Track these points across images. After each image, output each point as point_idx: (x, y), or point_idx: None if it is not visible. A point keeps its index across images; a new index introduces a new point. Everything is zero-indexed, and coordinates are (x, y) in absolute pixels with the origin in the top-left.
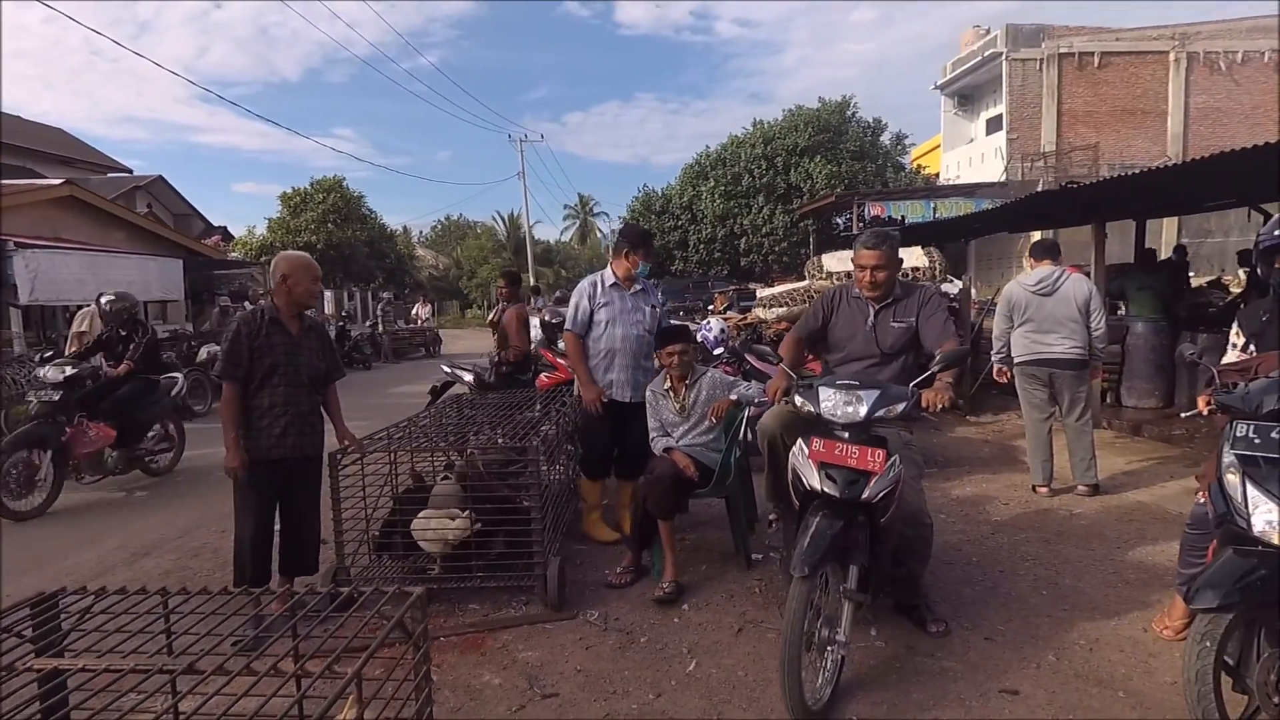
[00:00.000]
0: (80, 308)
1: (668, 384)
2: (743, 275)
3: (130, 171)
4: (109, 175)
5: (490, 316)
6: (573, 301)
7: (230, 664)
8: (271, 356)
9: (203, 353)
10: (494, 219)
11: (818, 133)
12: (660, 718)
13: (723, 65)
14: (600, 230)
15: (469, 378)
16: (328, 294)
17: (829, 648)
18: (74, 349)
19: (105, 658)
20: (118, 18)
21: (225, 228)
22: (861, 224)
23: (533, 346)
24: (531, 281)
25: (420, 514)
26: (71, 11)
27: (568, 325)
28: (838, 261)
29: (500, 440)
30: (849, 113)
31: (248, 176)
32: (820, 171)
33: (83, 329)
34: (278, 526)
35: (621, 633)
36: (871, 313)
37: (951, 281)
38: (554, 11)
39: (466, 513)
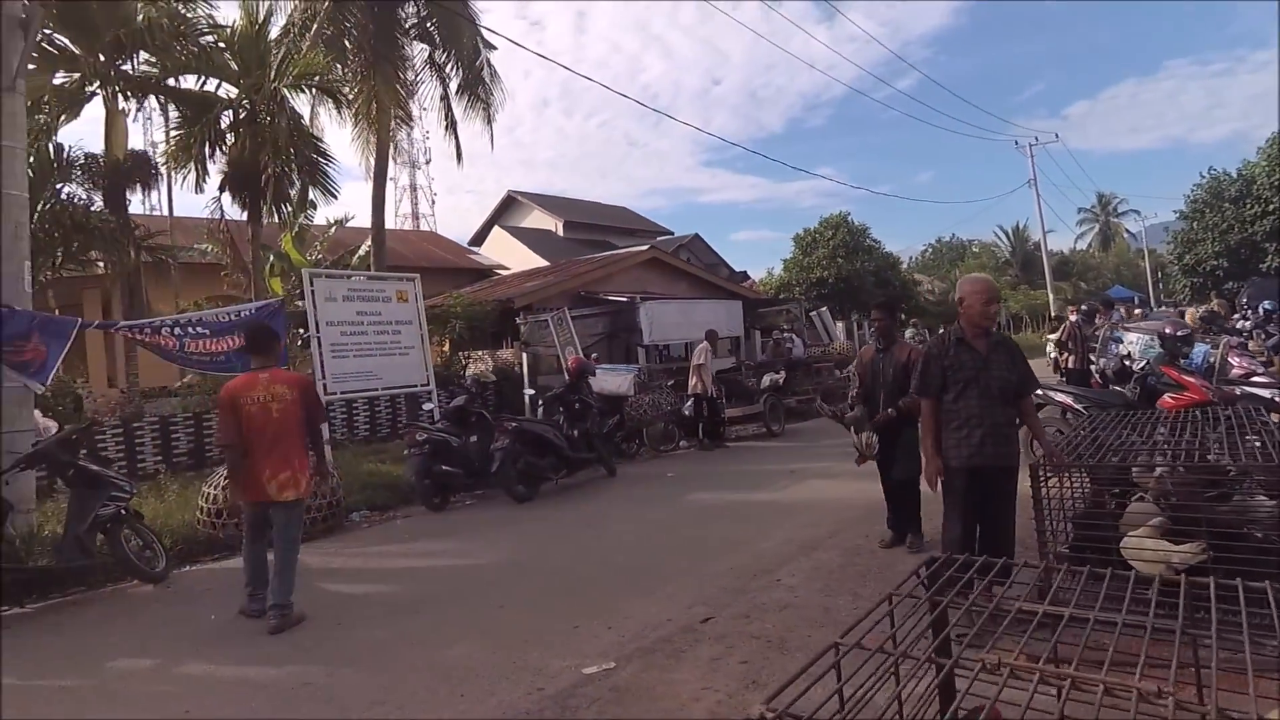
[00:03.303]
0: (696, 345)
1: None
2: None
3: (672, 234)
4: (658, 238)
5: (1057, 335)
6: None
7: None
8: (962, 373)
9: (765, 380)
10: (995, 234)
11: None
12: None
13: None
14: (1128, 231)
15: (1060, 398)
16: (839, 325)
17: None
18: (693, 380)
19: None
20: (645, 112)
21: (745, 272)
22: None
23: (1143, 364)
24: (1050, 298)
25: (1132, 533)
26: (612, 115)
27: None
28: None
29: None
30: None
31: (744, 226)
32: None
33: (700, 362)
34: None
35: None
36: None
37: None
38: None
39: (1198, 541)
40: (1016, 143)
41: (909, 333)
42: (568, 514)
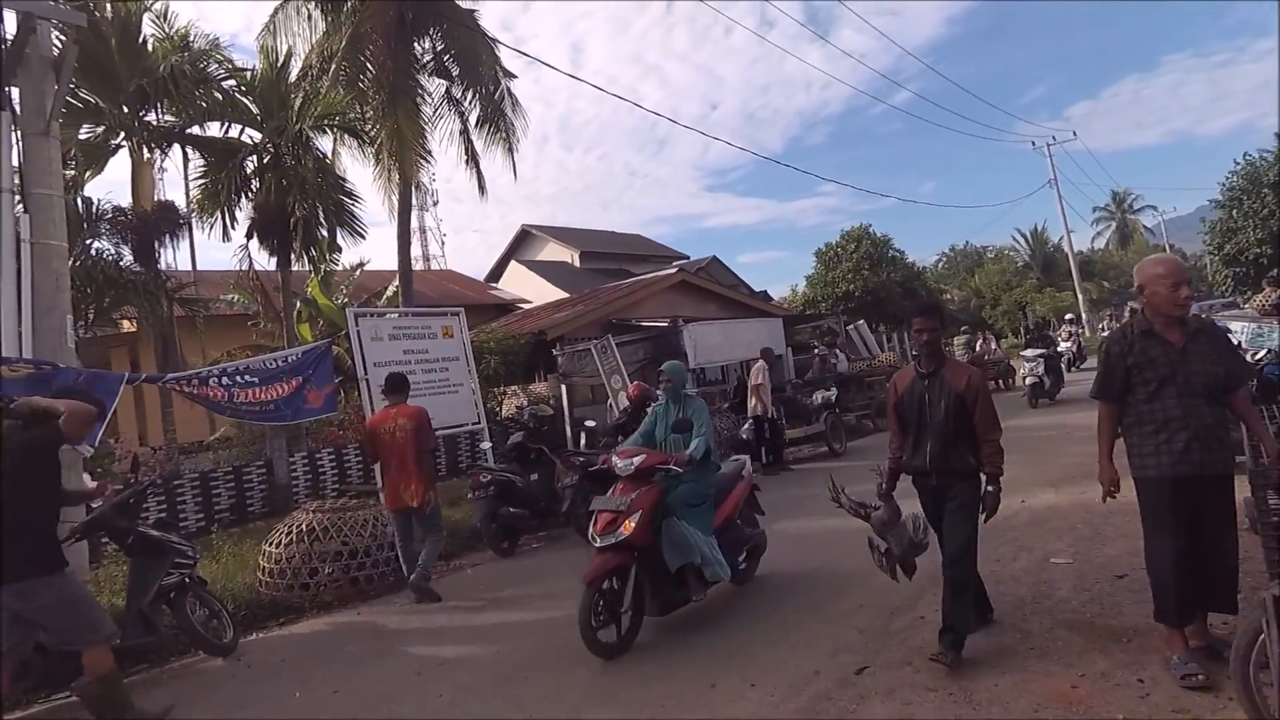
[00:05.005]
0: (753, 364)
1: None
2: None
3: (688, 258)
4: (674, 263)
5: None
6: None
7: None
8: (1154, 370)
9: (817, 398)
10: (1013, 238)
11: None
12: None
13: None
14: (1145, 227)
15: None
16: (870, 337)
17: None
18: (753, 401)
19: None
20: (644, 142)
21: (766, 291)
22: None
23: (1263, 354)
24: (1079, 298)
25: None
26: (611, 147)
27: None
28: None
29: None
30: None
31: (749, 248)
32: None
33: (759, 382)
34: None
35: None
36: None
37: None
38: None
39: None
40: (1034, 144)
41: (958, 345)
42: None
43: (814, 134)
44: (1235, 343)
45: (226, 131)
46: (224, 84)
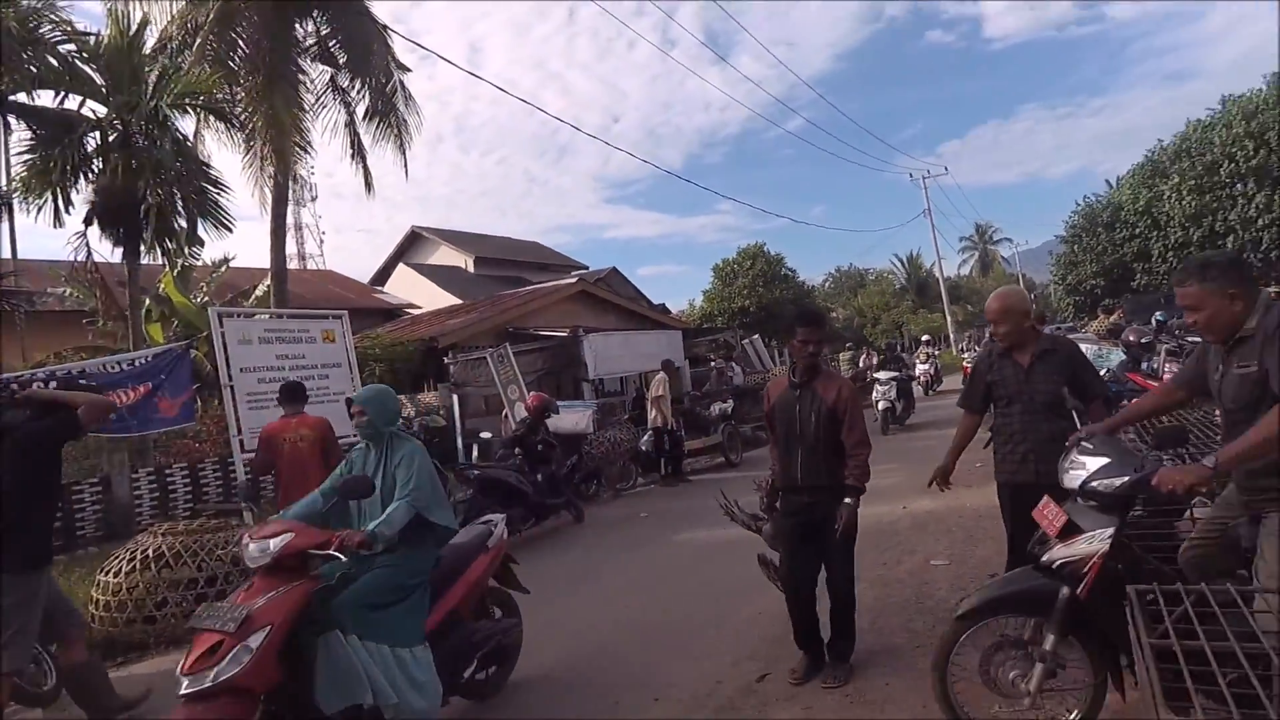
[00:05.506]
0: (655, 374)
1: None
2: None
3: (587, 268)
4: (573, 273)
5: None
6: None
7: None
8: (1004, 387)
9: (714, 409)
10: (891, 262)
11: None
12: None
13: (1122, 52)
14: (1003, 257)
15: None
16: (764, 351)
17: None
18: (653, 413)
19: None
20: (545, 149)
21: (664, 305)
22: None
23: (1102, 372)
24: (948, 320)
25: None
26: (510, 151)
27: None
28: None
29: None
30: None
31: (648, 261)
32: None
33: (659, 394)
34: None
35: None
36: None
37: None
38: (916, 46)
39: None
40: (911, 175)
41: (843, 360)
42: (548, 568)
43: (712, 153)
44: None
45: (63, 102)
46: (60, 48)
